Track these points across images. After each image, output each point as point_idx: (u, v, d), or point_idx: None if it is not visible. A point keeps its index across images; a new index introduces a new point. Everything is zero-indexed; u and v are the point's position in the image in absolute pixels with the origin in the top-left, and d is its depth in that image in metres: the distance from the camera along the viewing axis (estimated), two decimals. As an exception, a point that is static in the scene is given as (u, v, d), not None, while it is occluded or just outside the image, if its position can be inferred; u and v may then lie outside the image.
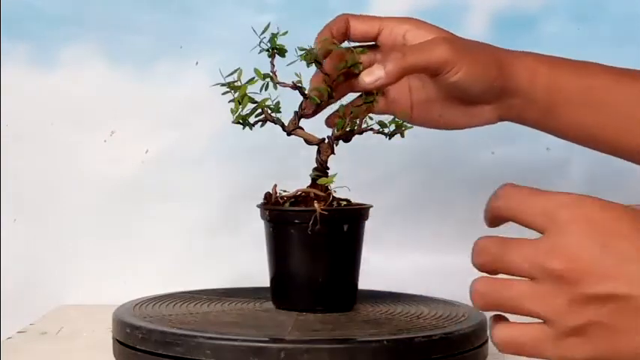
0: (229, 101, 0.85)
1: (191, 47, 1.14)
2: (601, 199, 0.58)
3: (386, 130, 0.86)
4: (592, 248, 0.56)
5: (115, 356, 0.83)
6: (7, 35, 1.12)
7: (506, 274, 0.59)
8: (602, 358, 0.57)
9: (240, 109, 0.84)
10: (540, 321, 0.58)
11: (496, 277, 0.59)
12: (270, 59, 0.86)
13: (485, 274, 0.60)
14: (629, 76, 0.87)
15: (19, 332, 0.97)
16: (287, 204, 0.85)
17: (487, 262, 0.60)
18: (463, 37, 0.88)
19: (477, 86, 0.83)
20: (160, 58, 1.14)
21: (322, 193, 0.84)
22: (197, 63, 1.14)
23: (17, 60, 1.12)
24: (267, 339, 0.75)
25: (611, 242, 0.56)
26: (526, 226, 0.59)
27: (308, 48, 0.84)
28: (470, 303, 0.91)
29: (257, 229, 0.88)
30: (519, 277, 0.58)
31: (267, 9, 1.13)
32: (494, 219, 0.61)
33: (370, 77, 0.82)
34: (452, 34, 0.87)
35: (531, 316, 0.57)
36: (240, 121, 0.85)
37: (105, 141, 1.14)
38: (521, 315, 0.58)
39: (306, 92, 0.86)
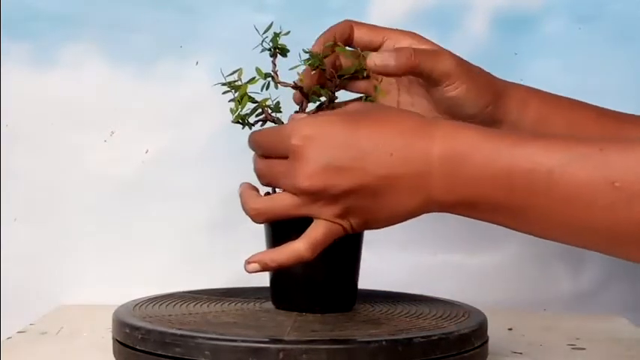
0: (229, 100, 0.85)
1: (191, 47, 1.14)
2: (323, 117, 0.78)
3: None
4: (322, 163, 0.75)
5: (114, 356, 0.83)
6: (7, 35, 1.12)
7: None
8: (364, 224, 0.78)
9: (239, 109, 0.84)
10: None
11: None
12: (271, 59, 0.86)
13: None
14: (609, 115, 0.90)
15: (19, 332, 0.97)
16: None
17: (267, 183, 0.82)
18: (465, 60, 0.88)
19: (471, 107, 0.85)
20: (160, 57, 1.14)
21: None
22: (197, 63, 1.14)
23: (17, 60, 1.12)
24: (266, 339, 0.75)
25: (332, 155, 0.75)
26: (277, 157, 0.79)
27: (311, 50, 0.84)
28: (470, 302, 0.92)
29: (257, 229, 0.88)
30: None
31: (267, 9, 1.13)
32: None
33: (380, 61, 0.83)
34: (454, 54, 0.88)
35: (303, 217, 0.78)
36: (240, 120, 0.85)
37: (105, 141, 1.14)
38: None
39: (307, 93, 0.86)
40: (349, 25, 0.86)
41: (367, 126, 0.76)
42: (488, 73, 0.88)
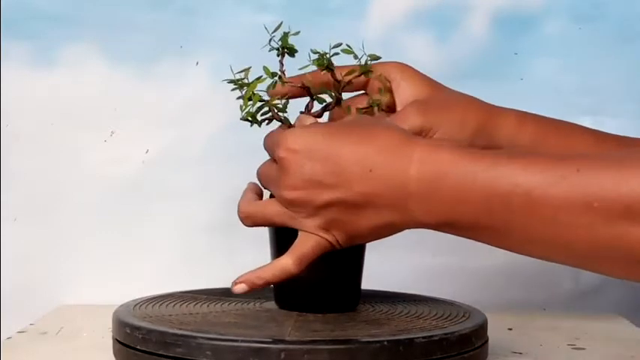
0: (237, 98, 0.85)
1: (191, 47, 1.14)
2: (307, 130, 0.79)
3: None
4: (303, 176, 0.77)
5: (115, 356, 0.83)
6: (7, 35, 1.12)
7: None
8: (348, 238, 0.79)
9: (248, 107, 0.84)
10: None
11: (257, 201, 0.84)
12: (279, 58, 0.86)
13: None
14: (605, 137, 0.89)
15: (19, 332, 0.97)
16: None
17: (264, 186, 0.84)
18: (445, 90, 0.88)
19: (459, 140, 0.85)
20: (160, 57, 1.14)
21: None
22: (197, 63, 1.14)
23: (17, 60, 1.12)
24: (267, 339, 0.75)
25: (313, 168, 0.76)
26: (274, 161, 0.80)
27: (321, 52, 0.84)
28: (470, 302, 0.92)
29: (257, 229, 0.88)
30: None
31: (268, 9, 1.13)
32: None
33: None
34: (435, 82, 0.88)
35: (288, 227, 0.80)
36: (250, 118, 0.85)
37: (105, 141, 1.14)
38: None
39: (313, 93, 0.86)
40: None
41: (350, 142, 0.77)
42: (473, 100, 0.88)
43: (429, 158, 0.74)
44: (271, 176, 0.81)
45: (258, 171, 0.84)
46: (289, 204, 0.79)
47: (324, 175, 0.77)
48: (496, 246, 0.75)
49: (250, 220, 0.83)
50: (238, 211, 0.84)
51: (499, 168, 0.71)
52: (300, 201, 0.78)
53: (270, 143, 0.83)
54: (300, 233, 0.80)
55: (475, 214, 0.72)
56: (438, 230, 0.77)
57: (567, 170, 0.69)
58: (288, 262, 0.80)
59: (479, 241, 0.76)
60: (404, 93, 0.88)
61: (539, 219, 0.69)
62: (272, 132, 0.84)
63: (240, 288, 0.81)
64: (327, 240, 0.79)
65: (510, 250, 0.75)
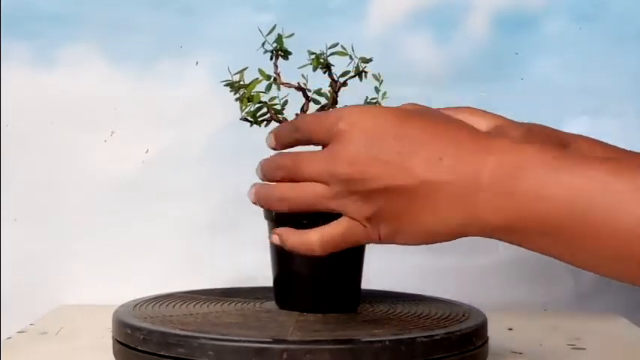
0: (236, 99, 0.85)
1: (191, 47, 1.14)
2: (375, 107, 0.73)
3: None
4: (367, 152, 0.69)
5: (115, 356, 0.83)
6: (7, 35, 1.12)
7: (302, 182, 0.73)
8: (396, 235, 0.71)
9: (249, 107, 0.85)
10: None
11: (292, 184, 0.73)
12: (273, 60, 0.86)
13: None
14: (611, 150, 0.83)
15: (19, 332, 0.97)
16: None
17: (284, 177, 0.74)
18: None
19: None
20: (160, 57, 1.14)
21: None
22: (197, 63, 1.14)
23: (17, 60, 1.12)
24: (269, 340, 0.75)
25: (380, 145, 0.69)
26: (315, 143, 0.73)
27: (318, 52, 0.85)
28: (470, 302, 0.92)
29: (257, 229, 0.88)
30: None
31: (268, 9, 1.13)
32: (287, 143, 0.76)
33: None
34: (504, 119, 0.81)
35: (330, 212, 0.72)
36: (250, 118, 0.85)
37: (105, 141, 1.14)
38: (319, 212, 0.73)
39: (309, 95, 0.86)
40: None
41: (421, 126, 0.70)
42: (545, 132, 0.80)
43: (510, 150, 0.67)
44: (312, 157, 0.72)
45: (275, 161, 0.75)
46: (342, 181, 0.70)
47: (390, 155, 0.68)
48: (560, 257, 0.68)
49: (287, 204, 0.74)
50: (271, 192, 0.75)
51: (587, 167, 0.65)
52: (357, 178, 0.69)
53: (316, 122, 0.73)
54: (341, 217, 0.73)
55: (556, 211, 0.65)
56: (499, 236, 0.69)
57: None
58: (314, 241, 0.74)
59: (540, 250, 0.68)
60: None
61: (624, 224, 0.63)
62: (310, 115, 0.79)
63: (274, 239, 0.77)
64: (367, 231, 0.72)
65: (576, 264, 0.68)
